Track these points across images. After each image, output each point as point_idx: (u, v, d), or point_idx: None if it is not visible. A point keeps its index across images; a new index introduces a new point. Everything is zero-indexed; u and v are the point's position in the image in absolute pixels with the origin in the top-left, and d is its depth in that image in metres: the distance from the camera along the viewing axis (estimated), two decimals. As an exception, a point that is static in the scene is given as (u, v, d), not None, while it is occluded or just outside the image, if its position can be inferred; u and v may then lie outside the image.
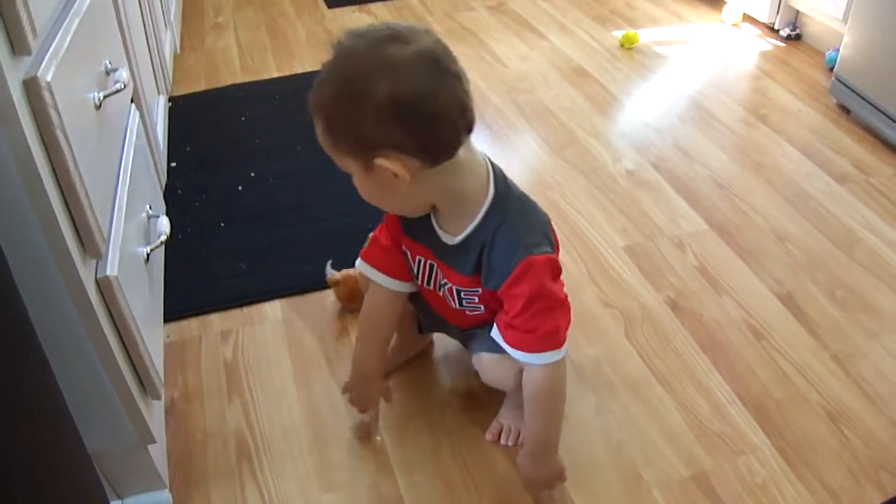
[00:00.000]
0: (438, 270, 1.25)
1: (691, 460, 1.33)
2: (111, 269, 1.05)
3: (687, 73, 2.60)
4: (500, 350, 1.24)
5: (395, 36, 1.01)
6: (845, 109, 2.29)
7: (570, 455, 1.32)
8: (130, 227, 1.22)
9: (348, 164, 1.08)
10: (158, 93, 2.08)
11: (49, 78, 0.89)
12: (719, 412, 1.41)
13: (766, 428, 1.38)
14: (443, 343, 1.56)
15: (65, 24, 1.01)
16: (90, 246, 1.01)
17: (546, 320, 1.16)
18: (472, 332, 1.37)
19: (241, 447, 1.38)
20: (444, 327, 1.44)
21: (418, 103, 0.99)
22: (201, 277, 1.72)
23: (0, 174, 0.87)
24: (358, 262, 1.34)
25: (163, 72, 2.17)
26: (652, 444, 1.36)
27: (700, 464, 1.33)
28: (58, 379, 0.90)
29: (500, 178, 1.18)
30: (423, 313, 1.42)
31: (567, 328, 1.21)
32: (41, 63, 0.89)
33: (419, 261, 1.27)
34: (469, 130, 1.07)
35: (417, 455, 1.36)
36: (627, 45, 2.71)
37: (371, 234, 1.34)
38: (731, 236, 1.82)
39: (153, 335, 1.28)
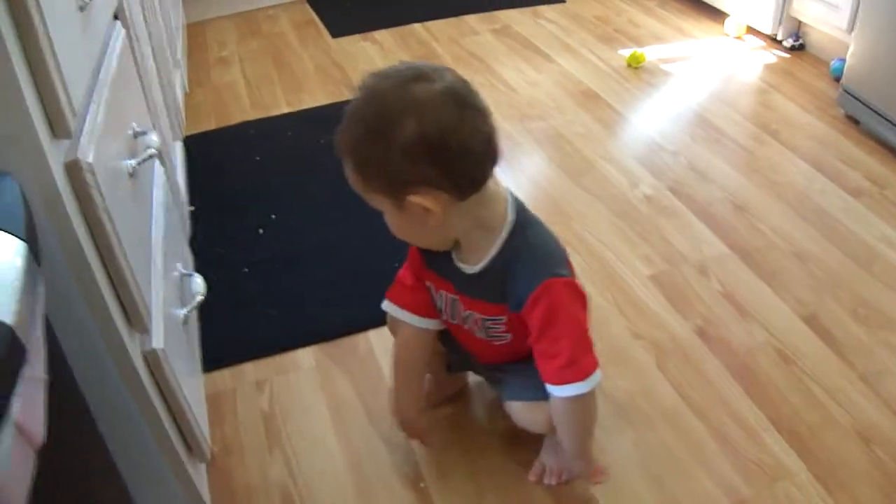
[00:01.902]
0: (460, 303, 1.26)
1: (731, 490, 1.33)
2: (157, 342, 1.05)
3: (695, 90, 2.59)
4: (529, 396, 1.27)
5: (419, 75, 1.03)
6: (854, 120, 2.28)
7: (612, 490, 1.33)
8: (168, 290, 1.21)
9: (379, 202, 1.10)
10: (174, 138, 2.06)
11: (90, 158, 0.88)
12: (754, 439, 1.41)
13: (801, 453, 1.37)
14: (479, 381, 1.54)
15: (95, 95, 1.00)
16: (136, 322, 1.01)
17: (565, 346, 1.15)
18: (499, 376, 1.37)
19: (285, 501, 1.36)
20: (473, 365, 1.45)
21: (446, 140, 1.01)
22: (231, 326, 1.71)
23: (48, 262, 0.87)
24: (384, 303, 1.35)
25: (177, 115, 2.15)
26: (690, 475, 1.35)
27: (739, 492, 1.32)
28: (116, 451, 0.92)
29: (520, 208, 1.19)
30: (451, 350, 1.41)
31: (591, 357, 1.18)
32: (80, 143, 0.89)
33: (442, 295, 1.28)
34: (494, 162, 1.09)
35: (462, 500, 1.35)
36: (635, 65, 2.71)
37: (396, 275, 1.34)
38: (752, 259, 1.81)
39: (195, 395, 1.28)
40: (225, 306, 1.74)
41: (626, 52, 2.82)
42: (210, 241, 1.96)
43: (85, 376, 0.91)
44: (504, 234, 1.16)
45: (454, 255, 1.21)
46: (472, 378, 1.55)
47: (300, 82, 2.83)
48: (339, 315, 1.73)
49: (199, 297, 1.31)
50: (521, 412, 1.31)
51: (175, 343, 1.17)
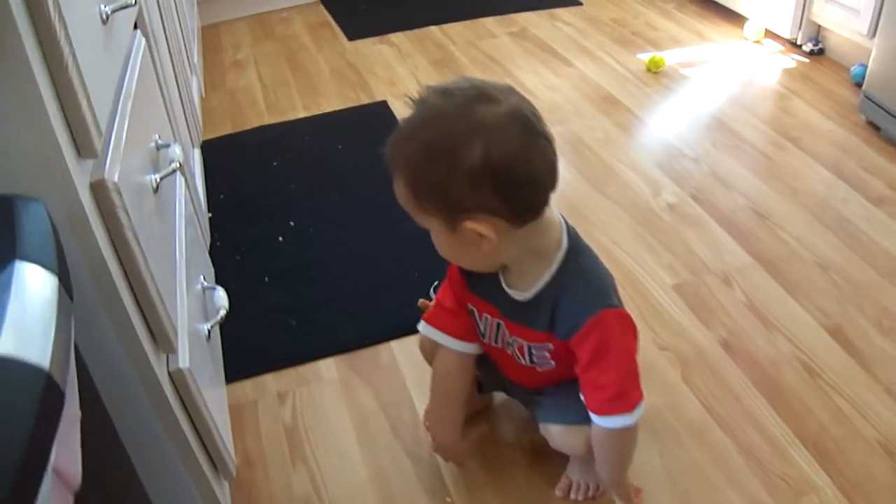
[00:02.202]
0: (505, 329, 1.22)
1: None
2: (183, 362, 1.02)
3: (714, 95, 2.55)
4: (568, 420, 1.24)
5: (483, 96, 0.99)
6: (875, 127, 2.24)
7: None
8: (192, 305, 1.18)
9: (429, 222, 1.06)
10: (193, 145, 2.04)
11: (116, 178, 0.85)
12: (780, 454, 1.38)
13: (827, 467, 1.35)
14: (505, 400, 1.52)
15: (120, 110, 0.98)
16: (163, 342, 0.98)
17: (614, 378, 1.13)
18: (536, 399, 1.33)
19: (309, 516, 1.34)
20: (507, 388, 1.42)
21: (512, 167, 0.97)
22: (251, 337, 1.68)
23: (75, 284, 0.84)
24: (422, 326, 1.31)
25: (195, 122, 2.12)
26: (717, 490, 1.33)
27: None
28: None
29: (573, 234, 1.15)
30: (485, 373, 1.38)
31: (638, 390, 1.16)
32: (106, 162, 0.86)
33: (486, 319, 1.24)
34: (554, 190, 1.05)
35: (488, 516, 1.33)
36: (654, 70, 2.67)
37: (433, 298, 1.31)
38: (775, 269, 1.78)
39: (220, 410, 1.25)
40: (246, 316, 1.72)
41: (644, 57, 2.78)
42: (229, 250, 1.93)
43: (111, 399, 0.89)
44: (557, 262, 1.12)
45: (502, 279, 1.17)
46: (498, 393, 1.52)
47: (316, 85, 2.81)
48: (360, 325, 1.70)
49: (223, 312, 1.29)
50: (560, 436, 1.27)
51: (200, 359, 1.15)
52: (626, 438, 1.19)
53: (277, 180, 2.24)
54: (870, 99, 2.21)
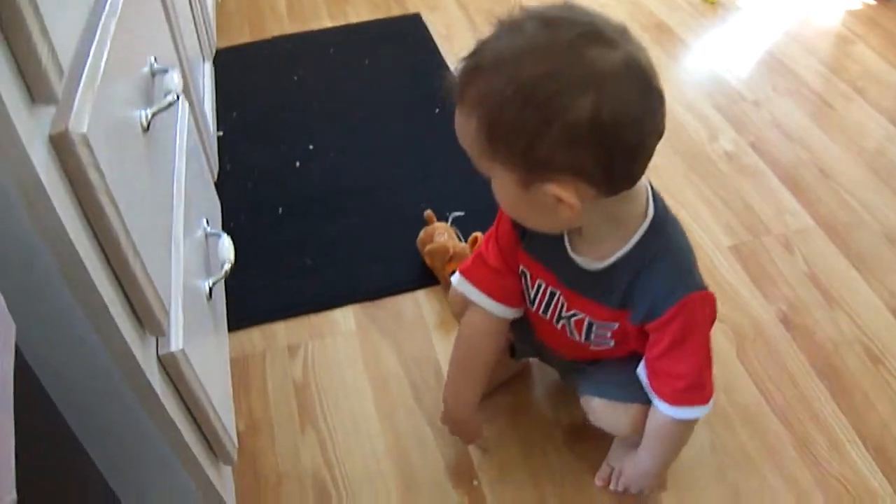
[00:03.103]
0: (564, 300, 1.00)
1: None
2: (176, 343, 0.80)
3: (773, 32, 2.22)
4: (614, 394, 1.04)
5: (597, 35, 0.76)
6: (947, 81, 1.94)
7: (687, 499, 1.13)
8: (190, 259, 0.95)
9: (496, 172, 0.83)
10: (203, 58, 1.75)
11: (84, 128, 0.61)
12: (838, 452, 1.19)
13: (887, 472, 1.16)
14: (541, 366, 1.30)
15: (98, 34, 0.72)
16: (150, 324, 0.76)
17: (692, 368, 0.95)
18: (578, 367, 1.12)
19: (319, 492, 1.15)
20: (544, 355, 1.20)
21: (622, 130, 0.75)
22: (261, 277, 1.45)
23: (29, 266, 0.61)
24: (457, 278, 1.08)
25: (206, 31, 1.82)
26: (768, 485, 1.15)
27: None
28: (118, 459, 0.76)
29: (660, 202, 0.92)
30: (520, 337, 1.16)
31: (711, 382, 0.98)
32: (72, 108, 0.61)
33: (539, 285, 1.01)
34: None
35: (518, 502, 1.13)
36: (710, 1, 2.33)
37: (475, 251, 1.07)
38: (839, 237, 1.53)
39: (220, 384, 1.03)
40: (256, 254, 1.49)
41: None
42: (240, 176, 1.69)
43: (83, 395, 0.71)
44: (641, 232, 0.90)
45: (568, 243, 0.95)
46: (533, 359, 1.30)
47: (344, -7, 2.47)
48: (384, 270, 1.47)
49: (227, 266, 1.05)
50: (604, 411, 1.07)
51: (198, 329, 0.92)
52: (688, 429, 1.04)
53: (297, 97, 1.96)
54: (945, 48, 1.91)
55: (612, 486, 1.14)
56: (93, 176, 0.62)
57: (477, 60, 0.79)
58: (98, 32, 0.71)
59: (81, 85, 0.64)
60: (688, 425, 1.02)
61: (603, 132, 0.75)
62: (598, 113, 0.73)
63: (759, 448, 1.19)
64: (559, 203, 0.80)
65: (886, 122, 1.84)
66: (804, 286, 1.43)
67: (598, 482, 1.15)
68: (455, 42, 2.14)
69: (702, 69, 2.08)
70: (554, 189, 0.79)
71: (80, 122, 0.60)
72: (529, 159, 0.78)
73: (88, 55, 0.68)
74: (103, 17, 0.74)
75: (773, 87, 1.96)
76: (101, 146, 0.63)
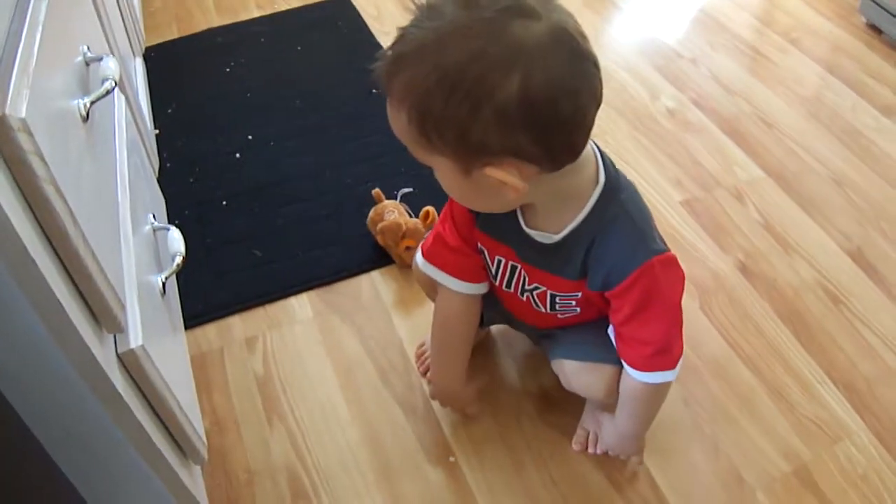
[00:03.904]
0: (525, 274, 0.99)
1: (790, 453, 1.14)
2: (135, 339, 0.76)
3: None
4: (586, 356, 1.04)
5: (517, 7, 0.72)
6: (876, 30, 1.99)
7: (666, 458, 1.14)
8: (140, 255, 0.91)
9: (436, 162, 0.80)
10: (134, 54, 1.69)
11: (23, 113, 0.57)
12: (810, 394, 1.21)
13: (859, 409, 1.19)
14: (505, 335, 1.29)
15: (28, 18, 0.68)
16: (108, 320, 0.72)
17: (658, 332, 0.94)
18: (549, 333, 1.12)
19: (294, 486, 1.12)
20: (513, 322, 1.19)
21: (555, 104, 0.72)
22: (211, 272, 1.41)
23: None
24: (420, 261, 1.07)
25: (135, 27, 1.76)
26: (747, 436, 1.16)
27: (799, 456, 1.14)
28: (85, 465, 0.73)
29: (609, 164, 0.90)
30: (489, 306, 1.14)
31: (680, 343, 0.97)
32: (7, 93, 0.58)
33: (499, 261, 1.00)
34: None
35: (498, 475, 1.13)
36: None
37: (433, 231, 1.06)
38: (788, 184, 1.56)
39: (183, 381, 1.00)
40: (202, 248, 1.45)
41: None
42: (181, 171, 1.64)
43: (44, 400, 0.68)
44: (594, 198, 0.88)
45: (521, 219, 0.93)
46: (497, 326, 1.30)
47: (270, -20, 2.42)
48: (336, 253, 1.45)
49: (179, 259, 1.01)
50: (577, 374, 1.06)
51: (156, 325, 0.88)
52: (661, 393, 1.03)
53: (231, 89, 1.91)
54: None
55: (590, 450, 1.14)
56: (35, 164, 0.58)
57: (399, 50, 0.76)
58: (28, 17, 0.67)
59: (15, 69, 0.60)
60: (660, 388, 1.01)
61: (535, 109, 0.72)
62: (526, 91, 0.70)
63: (733, 399, 1.20)
64: (503, 185, 0.78)
65: (822, 69, 1.88)
66: (759, 235, 1.45)
67: (575, 447, 1.15)
68: (385, 22, 2.11)
69: (637, 31, 2.09)
70: (495, 172, 0.76)
71: (18, 107, 0.57)
72: (465, 146, 0.75)
73: (20, 40, 0.64)
74: (32, 2, 0.70)
75: (709, 43, 1.99)
76: (41, 134, 0.60)
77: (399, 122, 0.78)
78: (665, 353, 0.95)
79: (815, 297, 1.35)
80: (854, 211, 1.50)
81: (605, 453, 1.13)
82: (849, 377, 1.23)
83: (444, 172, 0.81)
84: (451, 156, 0.77)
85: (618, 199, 0.89)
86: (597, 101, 0.76)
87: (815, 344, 1.28)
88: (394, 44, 0.76)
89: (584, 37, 0.74)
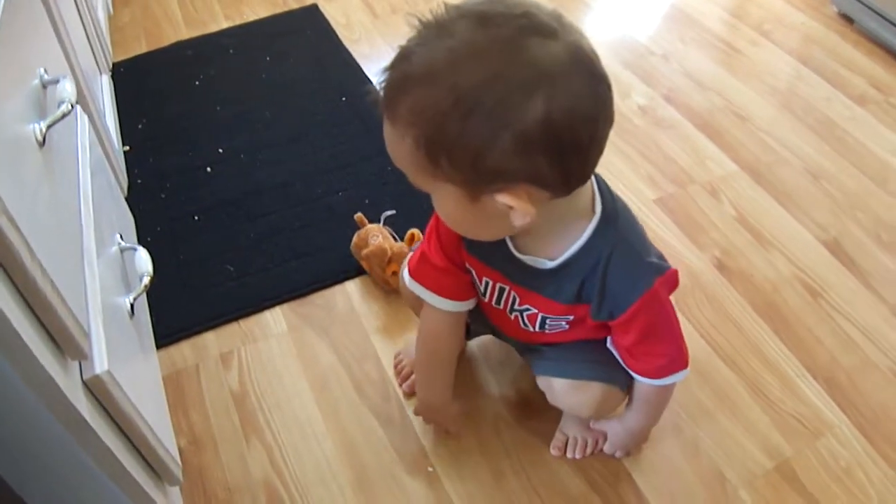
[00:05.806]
0: (515, 295, 0.99)
1: (772, 449, 1.16)
2: (100, 365, 0.77)
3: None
4: (576, 374, 1.04)
5: (536, 26, 0.70)
6: (848, 20, 2.01)
7: (646, 459, 1.16)
8: (106, 277, 0.91)
9: (440, 189, 0.78)
10: (100, 71, 1.69)
11: None
12: (790, 389, 1.23)
13: (841, 402, 1.21)
14: (482, 342, 1.30)
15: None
16: (70, 348, 0.72)
17: (669, 348, 0.98)
18: (535, 347, 1.11)
19: (273, 501, 1.13)
20: (499, 336, 1.20)
21: (576, 128, 0.71)
22: (184, 288, 1.42)
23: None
24: (408, 280, 1.06)
25: (100, 43, 1.76)
26: (728, 434, 1.18)
27: (781, 452, 1.15)
28: (59, 494, 0.74)
29: (606, 189, 0.90)
30: (475, 319, 1.15)
31: (685, 345, 1.00)
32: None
33: (487, 283, 1.00)
34: None
35: (477, 484, 1.14)
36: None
37: (418, 248, 1.06)
38: (763, 177, 1.58)
39: (155, 402, 1.00)
40: (174, 264, 1.45)
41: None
42: (152, 188, 1.64)
43: (9, 433, 0.69)
44: (592, 225, 0.87)
45: (511, 245, 0.92)
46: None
47: (238, -9, 2.42)
48: (309, 265, 1.45)
49: (146, 279, 1.01)
50: (566, 393, 1.06)
51: (123, 348, 0.89)
52: (672, 388, 1.06)
53: (201, 102, 1.91)
54: (842, -13, 1.97)
55: (569, 454, 1.15)
56: (-15, 199, 0.59)
57: (404, 70, 0.72)
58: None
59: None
60: (672, 386, 1.04)
61: (557, 133, 0.70)
62: (550, 114, 0.68)
63: (713, 397, 1.22)
64: (511, 211, 0.76)
65: (794, 61, 1.90)
66: (735, 230, 1.47)
67: (554, 452, 1.16)
68: (355, 30, 2.11)
69: (607, 28, 2.11)
70: (506, 199, 0.74)
71: (-36, 138, 0.57)
72: (477, 172, 0.73)
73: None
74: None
75: (681, 38, 2.01)
76: (-9, 162, 0.61)
77: (401, 148, 0.75)
78: (678, 360, 0.98)
79: (793, 291, 1.36)
80: (830, 202, 1.52)
81: (585, 457, 1.14)
82: (829, 371, 1.25)
83: (447, 199, 0.79)
84: (460, 182, 0.75)
85: (616, 225, 0.88)
86: (611, 122, 0.75)
87: (795, 338, 1.29)
88: (396, 63, 0.73)
89: (597, 57, 0.73)
